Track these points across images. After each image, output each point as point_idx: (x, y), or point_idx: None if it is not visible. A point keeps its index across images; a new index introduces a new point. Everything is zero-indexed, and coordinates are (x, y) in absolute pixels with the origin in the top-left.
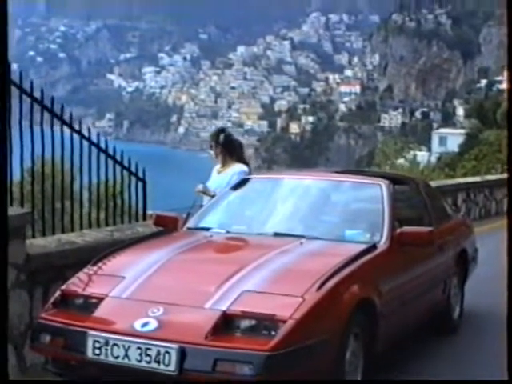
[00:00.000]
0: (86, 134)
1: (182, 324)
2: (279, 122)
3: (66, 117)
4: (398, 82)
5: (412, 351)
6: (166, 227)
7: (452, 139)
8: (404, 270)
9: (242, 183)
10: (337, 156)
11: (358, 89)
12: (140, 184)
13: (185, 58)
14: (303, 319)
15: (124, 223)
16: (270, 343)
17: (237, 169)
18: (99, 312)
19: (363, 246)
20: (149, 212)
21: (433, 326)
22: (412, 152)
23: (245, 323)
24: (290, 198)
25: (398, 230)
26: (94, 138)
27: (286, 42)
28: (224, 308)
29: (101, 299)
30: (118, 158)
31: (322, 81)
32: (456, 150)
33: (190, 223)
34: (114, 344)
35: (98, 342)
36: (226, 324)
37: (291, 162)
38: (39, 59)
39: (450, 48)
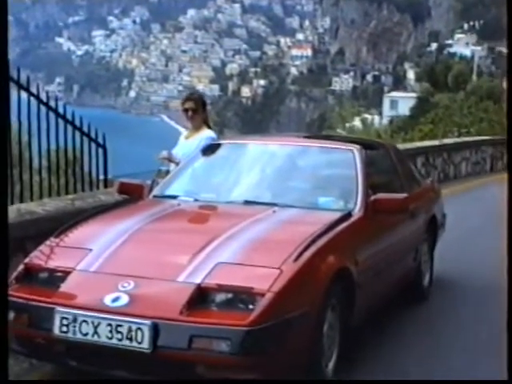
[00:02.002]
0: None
1: (154, 299)
2: (230, 86)
3: (23, 81)
4: (349, 45)
5: (386, 321)
6: (131, 195)
7: (403, 103)
8: (378, 238)
9: (209, 149)
10: (288, 119)
11: (309, 52)
12: (100, 150)
13: (135, 22)
14: (282, 292)
15: (85, 191)
16: (248, 318)
17: (205, 134)
18: (66, 287)
19: (338, 214)
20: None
21: (404, 295)
22: (363, 115)
23: (221, 297)
24: (259, 164)
25: (372, 197)
26: (51, 104)
27: (237, 5)
28: (198, 281)
29: (67, 273)
30: (78, 123)
31: (274, 44)
32: (407, 113)
33: (156, 191)
34: (83, 321)
35: (66, 318)
36: (200, 298)
37: (242, 125)
38: None
39: (400, 11)
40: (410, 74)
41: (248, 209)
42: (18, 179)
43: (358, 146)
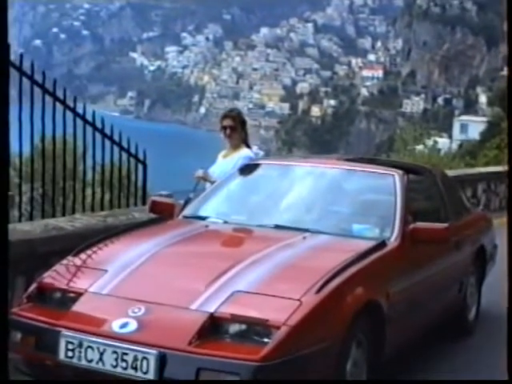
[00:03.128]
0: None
1: (164, 326)
2: (301, 105)
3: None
4: (420, 67)
5: (421, 356)
6: (162, 214)
7: (473, 127)
8: (416, 269)
9: (246, 169)
10: (357, 140)
11: (380, 73)
12: (140, 166)
13: (207, 38)
14: (299, 325)
15: (136, 206)
16: (260, 352)
17: (243, 153)
18: (75, 309)
19: (371, 243)
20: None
21: (445, 329)
22: (432, 138)
23: (234, 328)
24: (295, 187)
25: (411, 226)
26: (94, 119)
27: (310, 25)
28: (212, 310)
29: (79, 294)
30: (120, 139)
31: (345, 64)
32: (477, 137)
33: (187, 211)
34: (89, 346)
35: (72, 343)
36: (213, 328)
37: (311, 145)
38: (62, 36)
39: (474, 34)
40: (482, 98)
41: (277, 233)
42: (71, 191)
43: (399, 171)
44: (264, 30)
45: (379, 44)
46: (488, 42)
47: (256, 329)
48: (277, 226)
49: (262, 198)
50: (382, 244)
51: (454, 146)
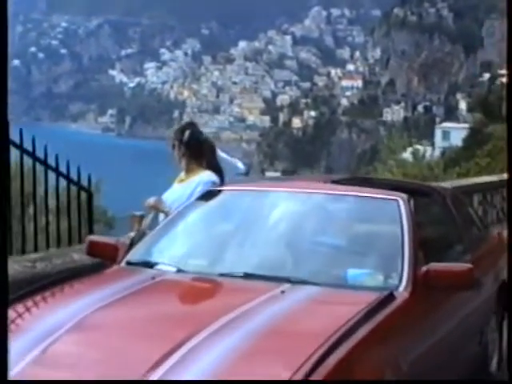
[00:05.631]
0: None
1: None
2: (281, 117)
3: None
4: (400, 76)
5: None
6: (102, 258)
7: (455, 133)
8: (431, 327)
9: (206, 198)
10: (339, 150)
11: (359, 83)
12: (84, 195)
13: (186, 53)
14: None
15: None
16: None
17: (204, 178)
18: None
19: (374, 296)
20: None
21: None
22: (415, 146)
23: None
24: (270, 219)
25: (424, 268)
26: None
27: (288, 37)
28: None
29: None
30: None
31: (324, 75)
32: (460, 144)
33: (132, 255)
34: None
35: None
36: None
37: (293, 157)
38: (41, 55)
39: (452, 42)
40: (462, 105)
41: (248, 286)
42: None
43: (404, 195)
44: (242, 44)
45: (358, 54)
46: (466, 49)
47: None
48: (247, 275)
49: (228, 235)
50: (389, 297)
51: (437, 153)
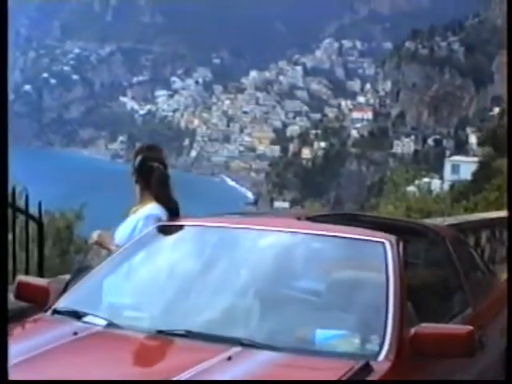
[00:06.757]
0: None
1: None
2: (291, 147)
3: None
4: (410, 108)
5: None
6: (33, 303)
7: (465, 167)
8: None
9: (151, 235)
10: (348, 182)
11: (370, 115)
12: (34, 226)
13: (197, 82)
14: None
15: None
16: None
17: (146, 212)
18: None
19: (345, 366)
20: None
21: None
22: (424, 180)
23: None
24: (224, 264)
25: (413, 330)
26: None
27: (299, 68)
28: None
29: None
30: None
31: (335, 107)
32: (469, 178)
33: (61, 302)
34: None
35: None
36: None
37: (302, 187)
38: (53, 81)
39: (462, 76)
40: (472, 139)
41: (187, 349)
42: None
43: (391, 237)
44: (253, 74)
45: (368, 86)
46: (476, 83)
47: None
48: (189, 334)
49: (172, 282)
50: (364, 368)
51: (446, 186)
